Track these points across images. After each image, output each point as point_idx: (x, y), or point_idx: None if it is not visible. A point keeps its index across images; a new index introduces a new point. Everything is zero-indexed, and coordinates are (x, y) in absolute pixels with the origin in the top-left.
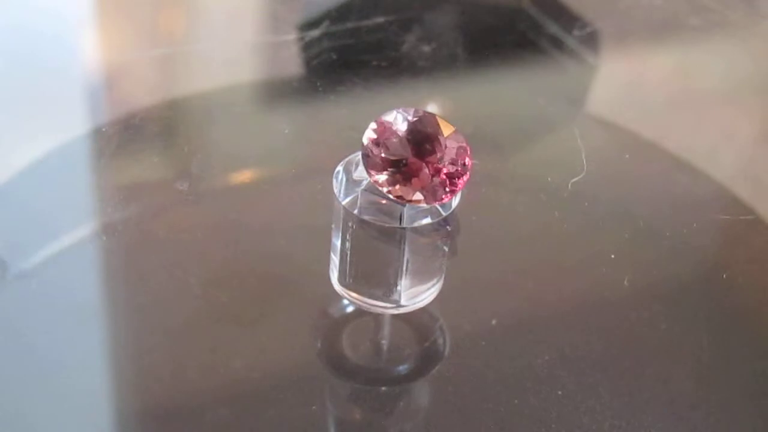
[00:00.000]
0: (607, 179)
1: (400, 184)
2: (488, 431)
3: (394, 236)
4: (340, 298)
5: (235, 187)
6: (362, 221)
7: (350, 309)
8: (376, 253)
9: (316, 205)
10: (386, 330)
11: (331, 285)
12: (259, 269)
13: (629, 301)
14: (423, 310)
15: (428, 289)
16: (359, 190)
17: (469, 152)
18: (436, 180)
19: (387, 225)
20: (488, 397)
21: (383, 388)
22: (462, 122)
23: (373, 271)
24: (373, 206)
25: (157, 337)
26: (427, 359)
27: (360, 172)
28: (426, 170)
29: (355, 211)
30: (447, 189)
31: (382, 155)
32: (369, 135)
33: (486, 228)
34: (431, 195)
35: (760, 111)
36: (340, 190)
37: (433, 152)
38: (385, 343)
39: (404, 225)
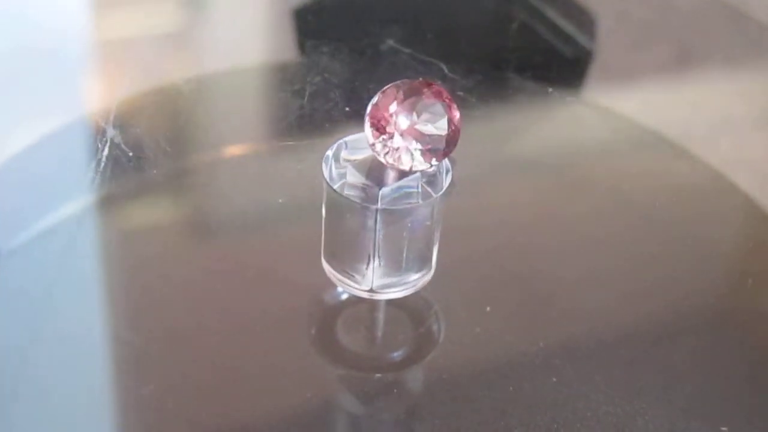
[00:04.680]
0: (605, 165)
1: (428, 153)
2: (483, 418)
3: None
4: (334, 286)
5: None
6: (394, 214)
7: (344, 296)
8: (423, 234)
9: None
10: (381, 316)
11: (322, 271)
12: (250, 261)
13: (625, 289)
14: (417, 295)
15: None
16: (378, 194)
17: (453, 103)
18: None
19: (418, 203)
20: (483, 383)
21: (378, 375)
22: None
23: (419, 253)
24: (396, 195)
25: (153, 330)
26: (422, 346)
27: (347, 155)
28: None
29: (382, 206)
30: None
31: (404, 130)
32: (370, 124)
33: (479, 214)
34: (444, 150)
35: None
36: (330, 175)
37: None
38: (380, 329)
39: (437, 192)
